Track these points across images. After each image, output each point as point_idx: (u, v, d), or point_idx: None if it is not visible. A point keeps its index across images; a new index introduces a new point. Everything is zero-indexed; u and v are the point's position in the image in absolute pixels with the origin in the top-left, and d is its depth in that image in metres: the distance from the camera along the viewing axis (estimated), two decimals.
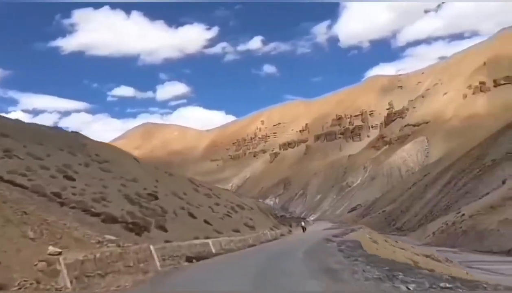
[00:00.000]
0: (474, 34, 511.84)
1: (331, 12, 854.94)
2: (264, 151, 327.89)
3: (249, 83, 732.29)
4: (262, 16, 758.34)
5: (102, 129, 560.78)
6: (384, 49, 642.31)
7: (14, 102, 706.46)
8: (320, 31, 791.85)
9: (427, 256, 28.68)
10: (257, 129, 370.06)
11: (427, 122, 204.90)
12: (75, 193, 20.47)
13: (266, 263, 12.72)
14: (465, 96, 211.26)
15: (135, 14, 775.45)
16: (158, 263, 12.85)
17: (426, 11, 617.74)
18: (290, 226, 61.40)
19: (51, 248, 9.70)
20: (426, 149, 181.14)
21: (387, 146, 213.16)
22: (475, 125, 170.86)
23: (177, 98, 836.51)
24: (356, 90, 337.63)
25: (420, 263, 22.35)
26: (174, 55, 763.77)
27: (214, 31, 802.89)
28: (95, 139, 38.00)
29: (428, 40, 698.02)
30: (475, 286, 8.05)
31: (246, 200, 53.42)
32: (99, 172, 26.00)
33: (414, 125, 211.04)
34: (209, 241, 18.28)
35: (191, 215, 25.29)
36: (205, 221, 25.73)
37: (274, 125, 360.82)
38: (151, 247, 13.04)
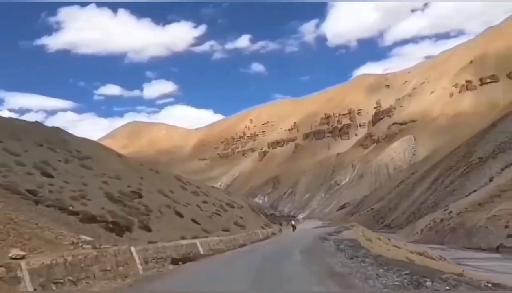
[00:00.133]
0: (459, 33, 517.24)
1: (319, 11, 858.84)
2: (253, 150, 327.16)
3: (237, 81, 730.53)
4: (250, 15, 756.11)
5: (89, 128, 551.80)
6: (371, 48, 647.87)
7: None
8: (308, 30, 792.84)
9: (420, 254, 28.06)
10: (245, 127, 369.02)
11: (414, 121, 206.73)
12: (52, 190, 19.13)
13: (261, 266, 11.55)
14: (451, 94, 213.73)
15: (121, 12, 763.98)
16: (139, 267, 11.66)
17: (413, 11, 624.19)
18: (281, 224, 60.55)
19: (14, 251, 8.45)
20: (413, 147, 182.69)
21: (375, 144, 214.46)
22: (462, 123, 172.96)
23: (164, 96, 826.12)
24: (344, 89, 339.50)
25: (416, 262, 21.58)
26: (161, 53, 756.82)
27: (202, 29, 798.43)
28: None
29: (415, 40, 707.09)
30: None
31: (236, 198, 52.31)
32: (80, 169, 24.62)
33: (401, 124, 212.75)
34: (197, 241, 17.12)
35: (178, 213, 24.11)
36: (193, 220, 24.57)
37: (262, 124, 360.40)
38: (132, 248, 11.84)
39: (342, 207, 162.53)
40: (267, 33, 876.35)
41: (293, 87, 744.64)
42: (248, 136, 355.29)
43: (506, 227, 48.01)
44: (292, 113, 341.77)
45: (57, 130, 34.56)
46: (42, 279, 8.04)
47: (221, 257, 15.90)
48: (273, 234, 36.23)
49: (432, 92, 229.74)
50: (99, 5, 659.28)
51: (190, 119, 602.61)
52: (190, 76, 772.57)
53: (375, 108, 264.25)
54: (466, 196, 68.76)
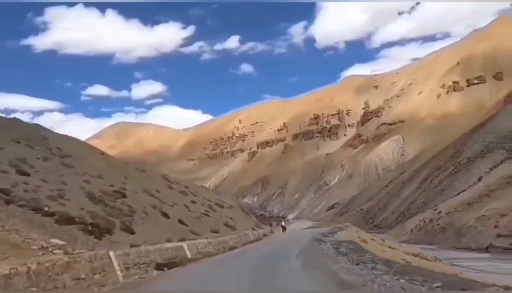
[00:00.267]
0: (445, 35, 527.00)
1: (308, 13, 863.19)
2: (242, 150, 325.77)
3: (226, 82, 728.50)
4: (239, 16, 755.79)
5: (76, 128, 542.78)
6: (359, 50, 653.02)
7: None
8: (296, 31, 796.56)
9: (415, 255, 27.30)
10: (234, 128, 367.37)
11: (402, 121, 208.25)
12: (27, 189, 17.68)
13: (256, 273, 10.42)
14: (439, 95, 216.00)
15: (109, 13, 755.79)
16: (119, 274, 10.45)
17: (400, 13, 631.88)
18: (271, 225, 59.45)
19: None
20: (402, 148, 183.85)
21: (364, 144, 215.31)
22: (449, 123, 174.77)
23: (152, 97, 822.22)
24: (333, 89, 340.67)
25: (413, 264, 20.72)
26: (149, 54, 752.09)
27: (191, 30, 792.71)
28: None
29: (402, 42, 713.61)
30: None
31: (226, 198, 51.04)
32: (60, 167, 23.14)
33: (390, 124, 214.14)
34: (184, 244, 15.92)
35: (164, 214, 22.82)
36: (180, 221, 23.30)
37: (252, 124, 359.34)
38: (111, 253, 10.60)
39: (331, 207, 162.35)
40: (256, 34, 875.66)
41: (282, 88, 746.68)
42: (237, 137, 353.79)
43: (496, 226, 47.86)
44: (281, 114, 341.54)
45: (37, 127, 32.89)
46: None
47: (211, 262, 14.70)
48: (264, 235, 35.13)
49: (420, 93, 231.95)
50: (87, 5, 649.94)
51: (179, 120, 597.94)
52: (179, 76, 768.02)
53: (363, 108, 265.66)
54: (455, 195, 68.78)
